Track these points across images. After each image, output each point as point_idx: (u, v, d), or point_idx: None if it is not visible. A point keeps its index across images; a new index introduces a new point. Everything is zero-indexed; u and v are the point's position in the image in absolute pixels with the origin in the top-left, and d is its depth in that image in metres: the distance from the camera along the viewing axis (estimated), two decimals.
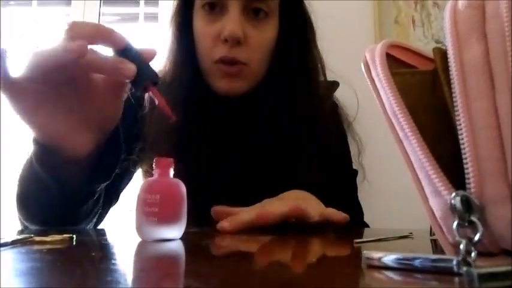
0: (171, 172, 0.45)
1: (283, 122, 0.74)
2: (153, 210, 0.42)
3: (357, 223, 0.80)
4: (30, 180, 0.55)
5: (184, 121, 0.70)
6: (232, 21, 0.69)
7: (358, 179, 0.84)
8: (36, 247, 0.35)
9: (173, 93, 0.72)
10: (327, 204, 0.67)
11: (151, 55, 0.48)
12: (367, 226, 0.82)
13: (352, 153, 0.84)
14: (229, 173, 0.73)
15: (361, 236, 0.39)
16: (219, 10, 0.71)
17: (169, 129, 0.68)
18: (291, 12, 0.76)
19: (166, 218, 0.42)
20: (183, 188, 0.45)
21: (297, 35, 0.77)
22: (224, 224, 0.51)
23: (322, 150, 0.76)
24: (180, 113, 0.71)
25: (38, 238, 0.38)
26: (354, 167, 0.85)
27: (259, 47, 0.73)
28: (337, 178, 0.79)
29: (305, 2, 0.79)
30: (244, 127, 0.76)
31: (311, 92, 0.76)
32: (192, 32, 0.74)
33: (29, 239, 0.37)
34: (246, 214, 0.53)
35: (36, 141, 0.51)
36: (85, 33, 0.44)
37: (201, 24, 0.73)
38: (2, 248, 0.33)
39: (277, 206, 0.55)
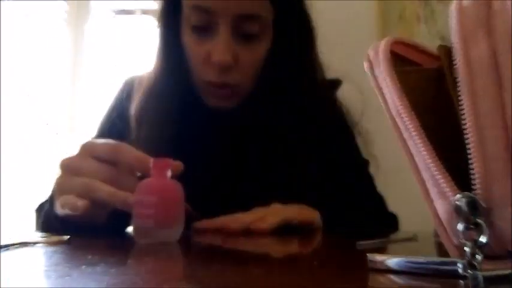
0: (168, 173, 0.44)
1: (279, 128, 0.73)
2: (149, 213, 0.41)
3: (379, 215, 0.79)
4: (46, 216, 0.60)
5: (176, 129, 0.70)
6: (221, 47, 0.65)
7: (373, 170, 0.83)
8: (35, 248, 0.35)
9: (163, 101, 0.71)
10: (338, 205, 0.67)
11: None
12: (394, 217, 0.81)
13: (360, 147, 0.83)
14: (223, 181, 0.73)
15: (363, 238, 0.38)
16: (209, 30, 0.67)
17: (160, 138, 0.68)
18: (287, 19, 0.72)
19: (163, 220, 0.41)
20: (181, 190, 0.44)
21: (294, 40, 0.73)
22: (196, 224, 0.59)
23: (324, 151, 0.75)
24: (171, 121, 0.70)
25: (34, 240, 0.37)
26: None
27: (250, 67, 0.70)
28: (346, 174, 0.77)
29: (306, 2, 0.74)
30: (238, 134, 0.75)
31: (309, 96, 0.75)
32: (180, 38, 0.71)
33: (25, 241, 0.37)
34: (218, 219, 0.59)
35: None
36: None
37: (189, 43, 0.69)
38: (2, 249, 0.32)
39: (243, 215, 0.60)
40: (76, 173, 0.50)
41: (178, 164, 0.49)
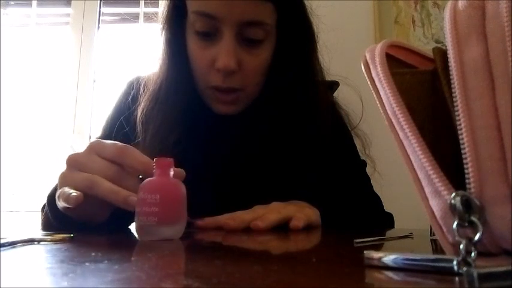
0: (171, 172, 0.45)
1: (281, 130, 0.74)
2: (152, 210, 0.42)
3: (375, 214, 0.79)
4: (46, 216, 0.61)
5: (181, 133, 0.70)
6: (225, 52, 0.66)
7: (369, 171, 0.84)
8: (36, 247, 0.35)
9: (168, 106, 0.71)
10: (336, 204, 0.67)
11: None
12: (390, 216, 0.81)
13: (358, 148, 0.84)
14: (226, 182, 0.73)
15: (361, 236, 0.39)
16: (213, 35, 0.67)
17: (165, 142, 0.68)
18: (290, 25, 0.73)
19: (166, 218, 0.42)
20: (183, 188, 0.45)
21: (297, 44, 0.74)
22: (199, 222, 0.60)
23: (323, 152, 0.75)
24: (176, 125, 0.70)
25: (38, 238, 0.38)
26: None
27: (254, 72, 0.71)
28: (344, 173, 0.78)
29: (307, 8, 0.75)
30: (241, 137, 0.75)
31: (310, 99, 0.75)
32: (185, 41, 0.72)
33: (29, 239, 0.37)
34: (219, 217, 0.60)
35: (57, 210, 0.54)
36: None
37: (193, 47, 0.70)
38: (2, 248, 0.33)
39: (243, 214, 0.60)
40: (81, 168, 0.51)
41: (180, 171, 0.50)
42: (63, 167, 0.53)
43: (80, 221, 0.54)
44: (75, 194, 0.47)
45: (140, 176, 0.52)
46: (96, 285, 0.20)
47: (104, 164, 0.51)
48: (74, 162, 0.52)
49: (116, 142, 0.53)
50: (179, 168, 0.50)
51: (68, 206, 0.47)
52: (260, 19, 0.67)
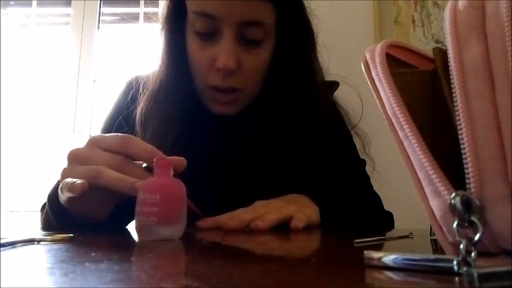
0: (171, 172, 0.45)
1: (280, 129, 0.74)
2: (152, 210, 0.42)
3: (375, 213, 0.79)
4: (46, 216, 0.61)
5: (180, 133, 0.70)
6: (225, 52, 0.66)
7: (368, 170, 0.84)
8: (36, 247, 0.35)
9: (168, 106, 0.71)
10: (336, 203, 0.67)
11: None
12: (389, 215, 0.81)
13: (357, 147, 0.84)
14: (226, 182, 0.73)
15: (361, 236, 0.39)
16: (212, 35, 0.68)
17: (164, 142, 0.68)
18: (289, 25, 0.73)
19: (166, 218, 0.42)
20: (183, 188, 0.45)
21: (296, 45, 0.74)
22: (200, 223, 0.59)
23: (323, 152, 0.75)
24: (175, 126, 0.70)
25: (38, 238, 0.38)
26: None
27: (254, 72, 0.71)
28: (344, 172, 0.78)
29: (306, 8, 0.75)
30: (241, 137, 0.75)
31: (310, 99, 0.75)
32: (184, 41, 0.72)
33: (29, 239, 0.37)
34: (219, 217, 0.59)
35: (60, 208, 0.54)
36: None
37: (193, 47, 0.70)
38: (2, 248, 0.33)
39: (243, 213, 0.59)
40: (83, 162, 0.50)
41: (181, 160, 0.49)
42: (64, 164, 0.53)
43: (80, 218, 0.54)
44: (80, 181, 0.46)
45: (144, 165, 0.52)
46: (96, 285, 0.20)
47: (106, 155, 0.50)
48: (76, 157, 0.52)
49: (117, 133, 0.52)
50: (180, 157, 0.49)
51: (72, 195, 0.47)
52: (259, 19, 0.67)
